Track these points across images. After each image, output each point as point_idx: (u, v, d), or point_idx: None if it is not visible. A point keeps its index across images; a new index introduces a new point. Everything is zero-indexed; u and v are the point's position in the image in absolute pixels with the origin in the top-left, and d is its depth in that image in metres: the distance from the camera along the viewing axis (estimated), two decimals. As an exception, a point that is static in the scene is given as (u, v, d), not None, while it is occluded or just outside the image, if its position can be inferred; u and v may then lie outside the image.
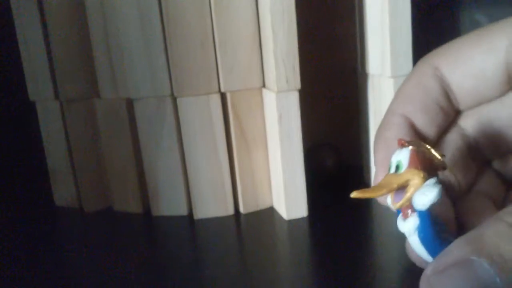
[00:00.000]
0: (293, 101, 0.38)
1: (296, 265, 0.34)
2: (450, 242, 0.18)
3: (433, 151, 0.20)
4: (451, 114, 0.24)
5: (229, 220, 0.41)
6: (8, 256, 0.38)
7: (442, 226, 0.20)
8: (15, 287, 0.33)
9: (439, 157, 0.20)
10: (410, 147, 0.19)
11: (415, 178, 0.19)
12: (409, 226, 0.19)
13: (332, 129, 0.49)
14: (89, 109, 0.43)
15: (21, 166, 0.57)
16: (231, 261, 0.35)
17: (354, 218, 0.40)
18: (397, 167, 0.19)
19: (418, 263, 0.21)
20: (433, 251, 0.19)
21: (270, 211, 0.42)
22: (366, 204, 0.42)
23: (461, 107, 0.24)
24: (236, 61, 0.39)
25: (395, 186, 0.19)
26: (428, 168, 0.19)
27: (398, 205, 0.19)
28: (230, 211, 0.41)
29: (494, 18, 0.50)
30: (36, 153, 0.47)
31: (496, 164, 0.26)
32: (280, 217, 0.40)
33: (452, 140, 0.24)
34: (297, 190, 0.39)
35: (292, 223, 0.39)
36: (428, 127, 0.24)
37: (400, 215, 0.20)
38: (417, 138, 0.23)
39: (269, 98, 0.39)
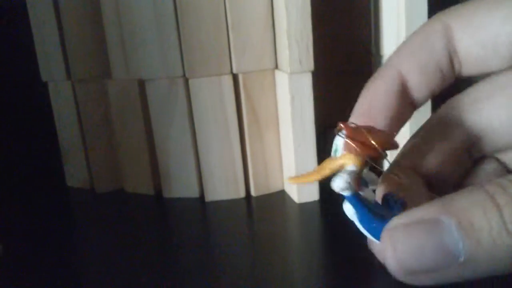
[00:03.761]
0: (306, 82, 0.37)
1: (307, 248, 0.34)
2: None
3: (371, 138, 0.18)
4: (450, 79, 0.23)
5: (240, 202, 0.41)
6: (20, 236, 0.38)
7: (379, 208, 0.19)
8: (27, 267, 0.33)
9: (376, 145, 0.18)
10: (344, 132, 0.18)
11: (350, 163, 0.18)
12: (347, 209, 0.18)
13: (345, 112, 0.48)
14: (101, 89, 0.43)
15: (33, 146, 0.58)
16: (242, 244, 0.35)
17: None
18: (335, 151, 0.18)
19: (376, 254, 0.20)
20: (375, 233, 0.18)
21: (281, 194, 0.41)
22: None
23: (463, 73, 0.23)
24: (248, 42, 0.38)
25: (327, 171, 0.18)
26: (366, 154, 0.18)
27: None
28: (241, 193, 0.41)
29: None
30: (48, 134, 0.47)
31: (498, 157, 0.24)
32: (291, 200, 0.40)
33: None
34: (309, 173, 0.39)
35: (303, 206, 0.39)
36: (421, 89, 0.23)
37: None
38: (367, 119, 0.22)
39: (282, 79, 0.38)
